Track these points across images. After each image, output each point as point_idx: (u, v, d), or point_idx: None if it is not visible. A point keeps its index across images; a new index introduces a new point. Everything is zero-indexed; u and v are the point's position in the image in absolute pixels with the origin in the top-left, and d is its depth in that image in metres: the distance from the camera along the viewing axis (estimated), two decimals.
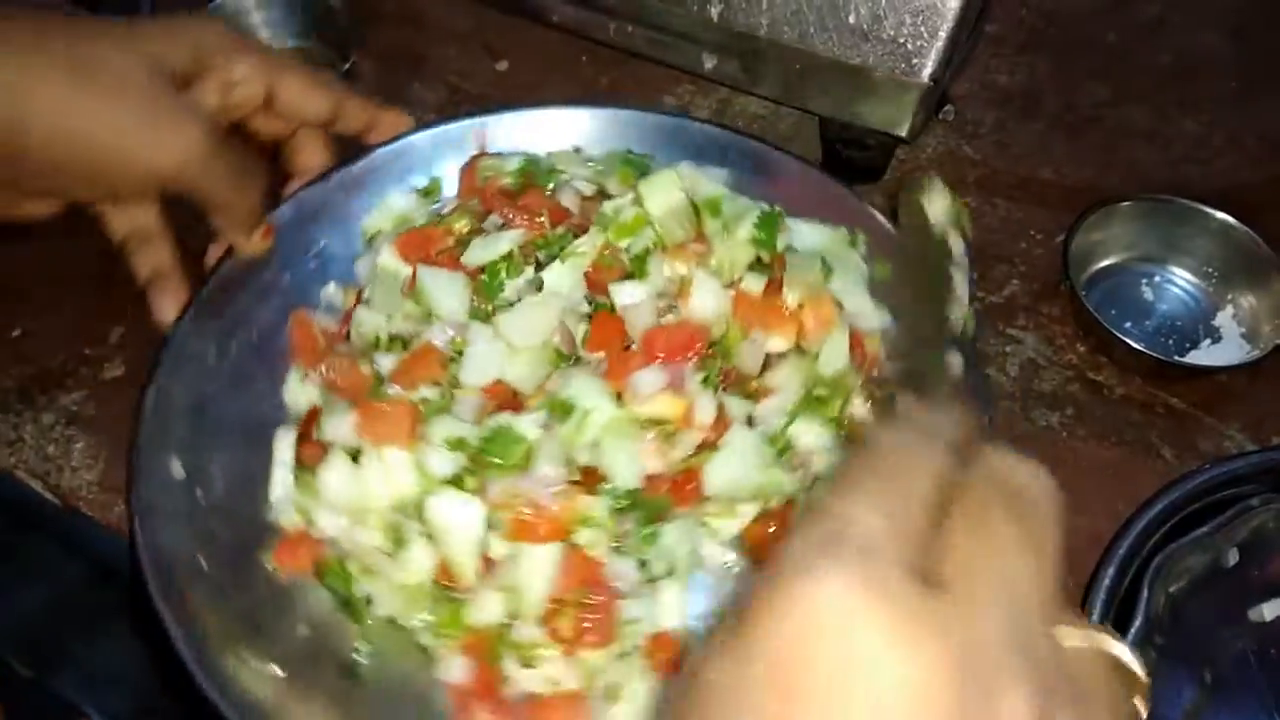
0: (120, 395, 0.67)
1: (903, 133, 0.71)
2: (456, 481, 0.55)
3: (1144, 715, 0.30)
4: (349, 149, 0.68)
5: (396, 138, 0.68)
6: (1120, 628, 0.57)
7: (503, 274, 0.62)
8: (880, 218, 0.65)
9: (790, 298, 0.61)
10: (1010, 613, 0.27)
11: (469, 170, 0.68)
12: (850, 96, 0.71)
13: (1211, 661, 0.59)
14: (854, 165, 0.77)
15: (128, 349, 0.71)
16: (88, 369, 0.70)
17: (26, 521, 0.84)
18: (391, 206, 0.68)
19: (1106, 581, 0.58)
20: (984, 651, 0.26)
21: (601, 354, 0.60)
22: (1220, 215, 0.72)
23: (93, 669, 0.83)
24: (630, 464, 0.56)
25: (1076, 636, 0.29)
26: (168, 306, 0.63)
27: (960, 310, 0.48)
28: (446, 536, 0.54)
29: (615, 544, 0.56)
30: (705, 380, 0.59)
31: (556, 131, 0.70)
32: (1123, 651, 0.29)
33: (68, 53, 0.54)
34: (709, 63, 0.76)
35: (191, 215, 0.62)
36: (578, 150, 0.70)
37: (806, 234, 0.65)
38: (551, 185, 0.67)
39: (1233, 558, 0.60)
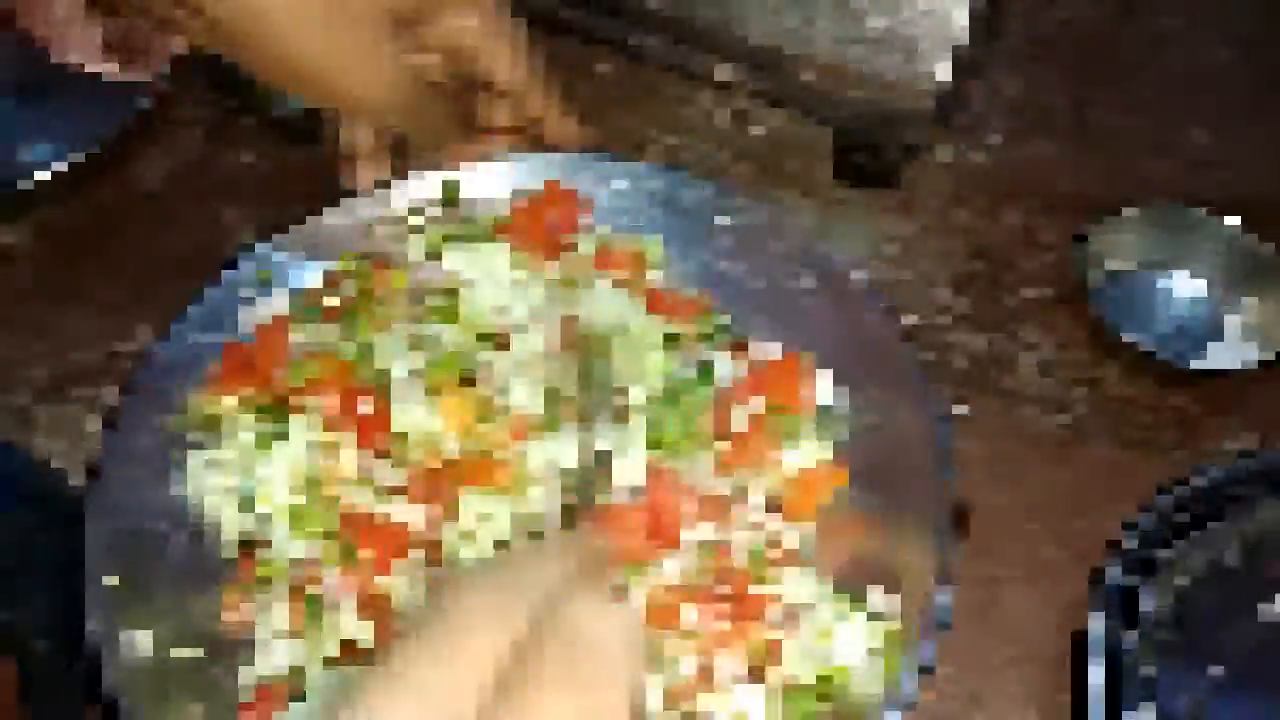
0: None
1: (915, 141, 0.73)
2: None
3: None
4: None
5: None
6: (1125, 624, 0.58)
7: None
8: (794, 222, 0.68)
9: None
10: None
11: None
12: (863, 105, 0.73)
13: (1216, 659, 0.60)
14: (866, 174, 0.79)
15: None
16: (120, 365, 0.72)
17: (52, 516, 0.86)
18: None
19: (1112, 577, 0.59)
20: None
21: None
22: (1229, 222, 0.73)
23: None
24: None
25: None
26: (361, 179, 0.69)
27: None
28: None
29: None
30: None
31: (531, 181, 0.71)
32: None
33: None
34: (725, 73, 0.78)
35: None
36: None
37: None
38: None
39: (1239, 556, 0.61)
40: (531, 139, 0.73)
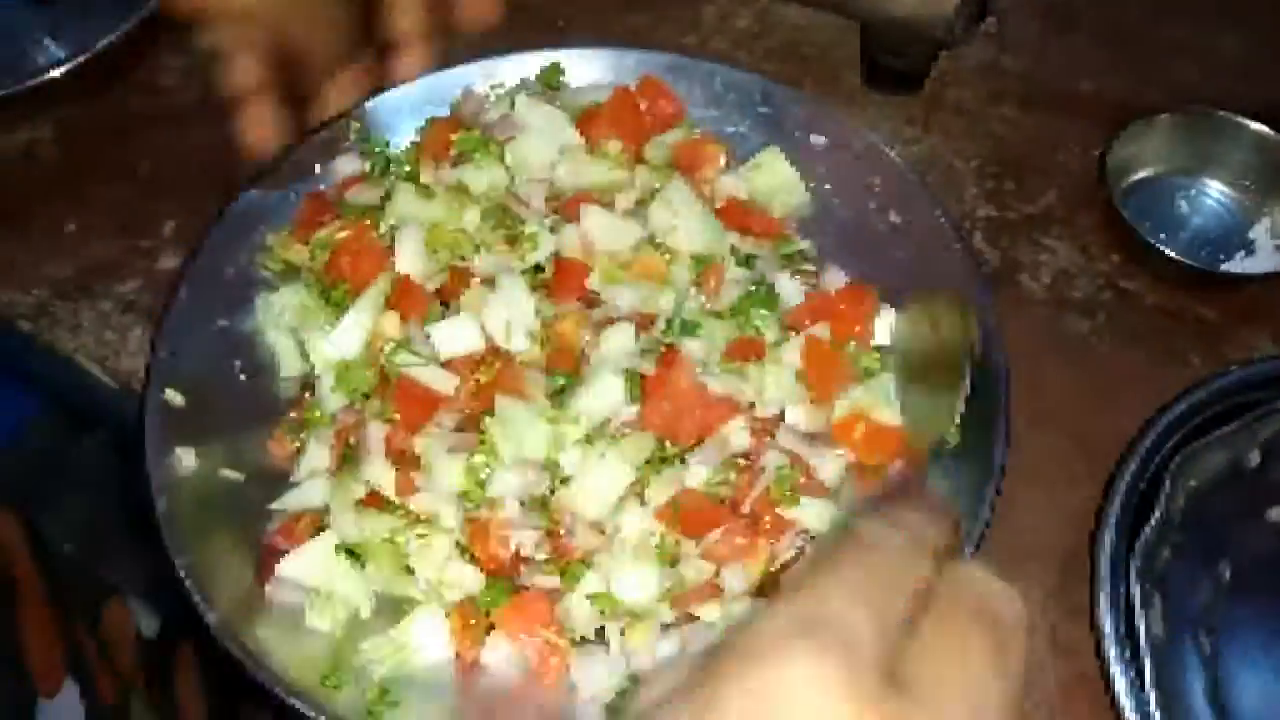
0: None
1: (943, 35, 0.71)
2: None
3: None
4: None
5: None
6: (1139, 523, 0.59)
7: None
8: (893, 156, 0.66)
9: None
10: None
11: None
12: (887, 3, 0.71)
13: (1228, 559, 0.61)
14: (894, 74, 0.77)
15: (179, 243, 0.73)
16: (142, 261, 0.72)
17: (82, 421, 0.87)
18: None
19: (1127, 476, 0.60)
20: None
21: None
22: (1257, 127, 0.72)
23: (135, 570, 0.87)
24: None
25: None
26: (255, 124, 0.65)
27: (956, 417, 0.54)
28: None
29: None
30: None
31: (571, 74, 0.70)
32: None
33: None
34: None
35: None
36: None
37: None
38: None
39: (1255, 459, 0.62)
40: (443, 31, 0.69)
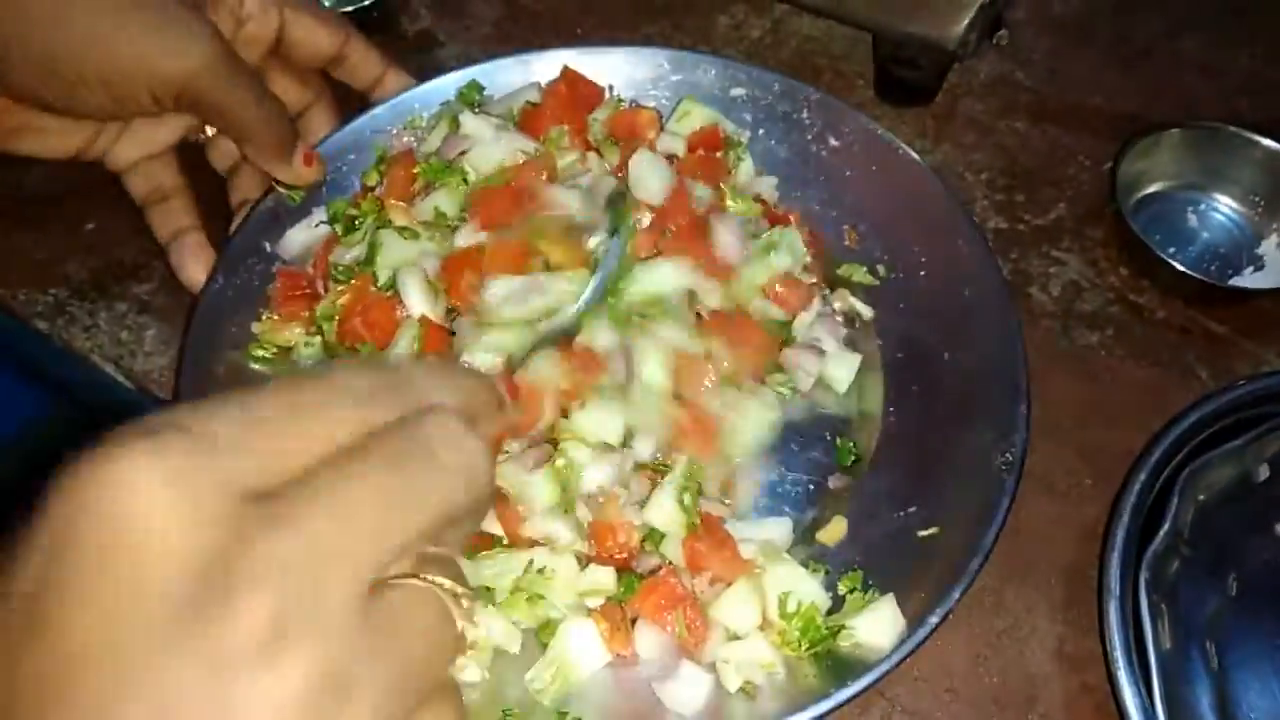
0: None
1: (956, 48, 0.72)
2: None
3: (471, 634, 0.28)
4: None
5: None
6: (1147, 535, 0.59)
7: None
8: (909, 151, 0.68)
9: None
10: (330, 544, 0.25)
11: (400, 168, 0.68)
12: (905, 12, 0.72)
13: (1237, 572, 0.61)
14: (906, 85, 0.78)
15: None
16: (158, 262, 0.73)
17: (97, 421, 0.86)
18: None
19: (1136, 489, 0.60)
20: (263, 560, 0.24)
21: None
22: (1267, 143, 0.72)
23: None
24: None
25: (411, 581, 0.28)
26: (191, 267, 0.65)
27: None
28: None
29: None
30: None
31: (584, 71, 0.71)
32: (442, 592, 0.28)
33: None
34: None
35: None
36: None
37: None
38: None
39: (1263, 473, 0.62)
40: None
